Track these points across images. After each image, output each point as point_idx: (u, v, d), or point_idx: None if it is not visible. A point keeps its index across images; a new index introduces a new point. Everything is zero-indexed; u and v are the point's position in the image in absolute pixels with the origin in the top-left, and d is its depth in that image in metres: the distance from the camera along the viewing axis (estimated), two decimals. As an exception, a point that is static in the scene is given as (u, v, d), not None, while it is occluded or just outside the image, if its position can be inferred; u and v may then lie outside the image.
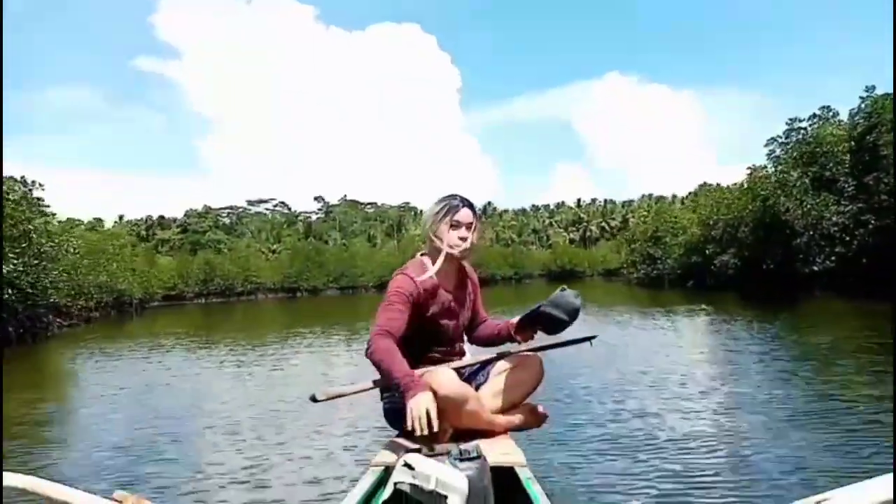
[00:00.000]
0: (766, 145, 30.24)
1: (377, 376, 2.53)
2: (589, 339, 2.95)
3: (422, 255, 2.76)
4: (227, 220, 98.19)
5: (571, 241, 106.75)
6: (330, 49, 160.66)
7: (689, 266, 36.69)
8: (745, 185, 32.44)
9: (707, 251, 33.49)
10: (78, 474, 4.93)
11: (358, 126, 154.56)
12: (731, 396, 6.74)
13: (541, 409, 2.76)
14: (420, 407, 2.30)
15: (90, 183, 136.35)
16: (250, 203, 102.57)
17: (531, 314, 2.69)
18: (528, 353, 2.78)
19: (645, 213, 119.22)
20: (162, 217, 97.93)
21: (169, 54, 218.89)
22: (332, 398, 2.54)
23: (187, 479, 4.70)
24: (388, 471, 2.25)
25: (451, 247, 2.64)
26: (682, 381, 7.61)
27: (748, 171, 33.09)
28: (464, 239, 2.66)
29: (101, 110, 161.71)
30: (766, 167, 31.20)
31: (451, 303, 2.73)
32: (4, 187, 21.70)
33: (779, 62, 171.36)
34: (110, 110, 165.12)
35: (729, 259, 31.33)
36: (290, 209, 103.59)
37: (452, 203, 2.66)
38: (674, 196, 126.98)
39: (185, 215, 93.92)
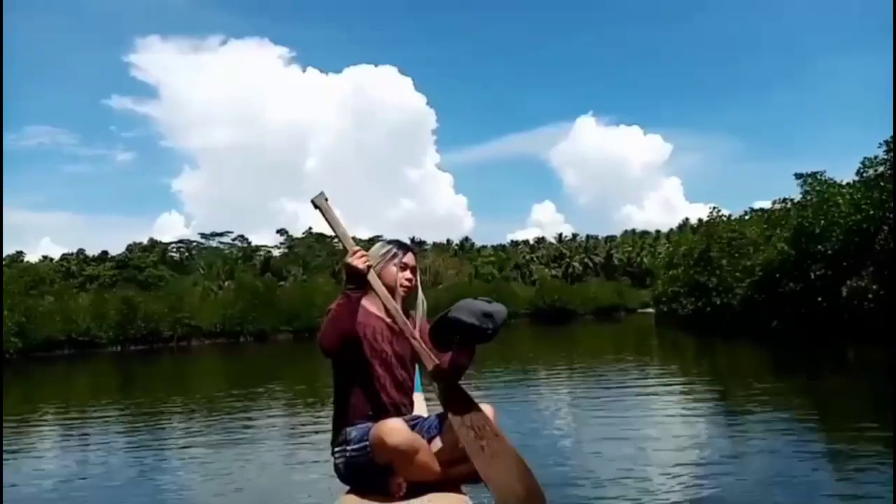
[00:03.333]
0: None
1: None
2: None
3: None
4: (175, 255, 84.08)
5: (554, 278, 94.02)
6: (306, 89, 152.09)
7: (766, 298, 23.76)
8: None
9: (813, 272, 20.63)
10: None
11: (332, 163, 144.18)
12: None
13: None
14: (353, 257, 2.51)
15: (61, 223, 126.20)
16: (204, 236, 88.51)
17: (437, 324, 2.49)
18: (484, 402, 2.61)
19: (630, 245, 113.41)
20: (105, 252, 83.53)
21: (144, 93, 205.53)
22: (326, 213, 2.63)
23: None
24: None
25: (400, 286, 2.67)
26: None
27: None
28: (409, 280, 2.72)
29: (72, 149, 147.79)
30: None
31: (397, 343, 2.66)
32: None
33: (745, 105, 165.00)
34: (82, 149, 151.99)
35: (866, 284, 18.48)
36: (248, 243, 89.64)
37: (400, 246, 2.77)
38: (658, 231, 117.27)
39: (126, 249, 79.67)
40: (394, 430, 2.37)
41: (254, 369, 24.96)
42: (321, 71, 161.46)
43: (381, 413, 2.56)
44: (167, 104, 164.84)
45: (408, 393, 2.73)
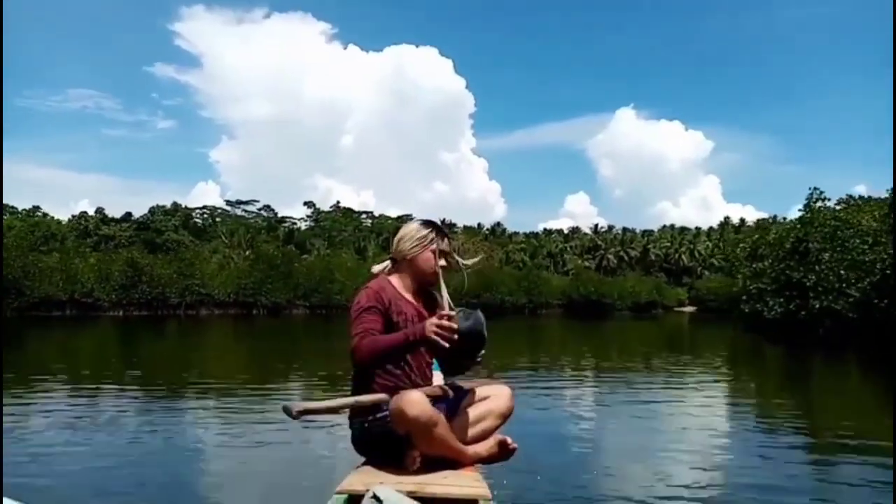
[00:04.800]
0: None
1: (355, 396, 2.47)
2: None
3: (384, 271, 2.67)
4: (199, 221, 79.79)
5: (586, 269, 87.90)
6: (346, 66, 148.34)
7: (891, 304, 17.90)
8: None
9: None
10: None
11: (367, 141, 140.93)
12: None
13: (510, 442, 2.58)
14: (430, 323, 2.37)
15: (99, 186, 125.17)
16: (230, 204, 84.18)
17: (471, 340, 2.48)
18: (501, 383, 2.76)
19: (669, 241, 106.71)
20: (129, 214, 79.50)
21: (186, 62, 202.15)
22: (309, 412, 2.39)
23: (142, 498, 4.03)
24: (352, 499, 2.20)
25: (434, 272, 2.61)
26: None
27: None
28: (444, 268, 2.64)
29: (114, 114, 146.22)
30: None
31: (417, 315, 2.58)
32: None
33: (789, 105, 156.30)
34: (123, 114, 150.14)
35: None
36: (274, 213, 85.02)
37: (437, 232, 2.65)
38: (698, 229, 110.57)
39: (148, 212, 75.49)
40: (414, 401, 2.32)
41: (265, 346, 20.57)
42: (362, 49, 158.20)
43: (400, 386, 2.48)
44: (209, 74, 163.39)
45: (428, 376, 2.67)
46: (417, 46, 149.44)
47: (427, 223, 2.66)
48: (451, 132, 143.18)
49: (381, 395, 2.42)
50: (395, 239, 2.68)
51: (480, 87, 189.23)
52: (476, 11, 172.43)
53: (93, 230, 67.78)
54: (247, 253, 62.16)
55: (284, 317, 47.02)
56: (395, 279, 2.61)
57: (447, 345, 2.33)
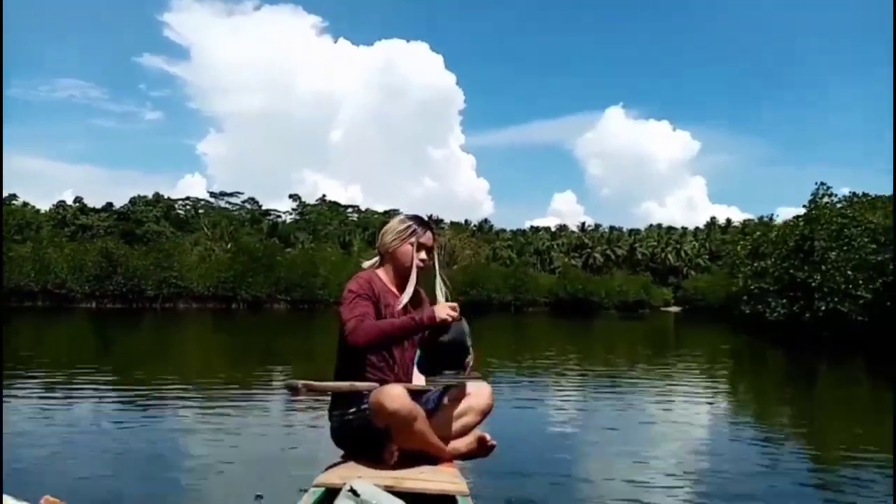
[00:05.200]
0: None
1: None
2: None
3: (372, 266, 2.68)
4: (181, 213, 77.68)
5: (573, 267, 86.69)
6: (336, 60, 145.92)
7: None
8: None
9: None
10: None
11: (357, 136, 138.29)
12: None
13: (489, 438, 2.59)
14: (443, 306, 2.45)
15: (85, 176, 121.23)
16: (213, 195, 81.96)
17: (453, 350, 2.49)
18: (480, 381, 2.66)
19: (655, 240, 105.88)
20: (110, 204, 77.18)
21: (175, 54, 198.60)
22: (313, 389, 2.39)
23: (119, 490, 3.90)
24: (329, 492, 2.17)
25: (411, 266, 2.61)
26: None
27: None
28: (424, 261, 2.63)
29: (102, 104, 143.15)
30: None
31: (402, 311, 2.57)
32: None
33: (777, 107, 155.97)
34: (111, 104, 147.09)
35: None
36: (259, 206, 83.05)
37: (420, 224, 2.65)
38: (684, 228, 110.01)
39: (129, 202, 73.26)
40: (393, 395, 2.31)
41: (243, 343, 18.97)
42: (352, 42, 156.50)
43: (381, 381, 2.46)
44: (197, 66, 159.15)
45: (409, 370, 2.63)
46: (408, 41, 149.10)
47: (410, 217, 2.68)
48: (441, 128, 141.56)
49: (374, 384, 2.40)
50: (380, 233, 2.69)
51: (470, 84, 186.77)
52: (468, 7, 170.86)
53: (70, 220, 65.52)
54: (228, 245, 60.31)
55: (265, 311, 45.38)
56: (381, 272, 2.65)
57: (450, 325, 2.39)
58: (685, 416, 7.54)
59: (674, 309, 78.46)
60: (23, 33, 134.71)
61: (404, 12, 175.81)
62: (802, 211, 23.22)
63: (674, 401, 8.82)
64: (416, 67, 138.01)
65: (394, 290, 2.59)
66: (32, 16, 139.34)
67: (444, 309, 2.39)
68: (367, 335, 2.34)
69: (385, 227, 2.68)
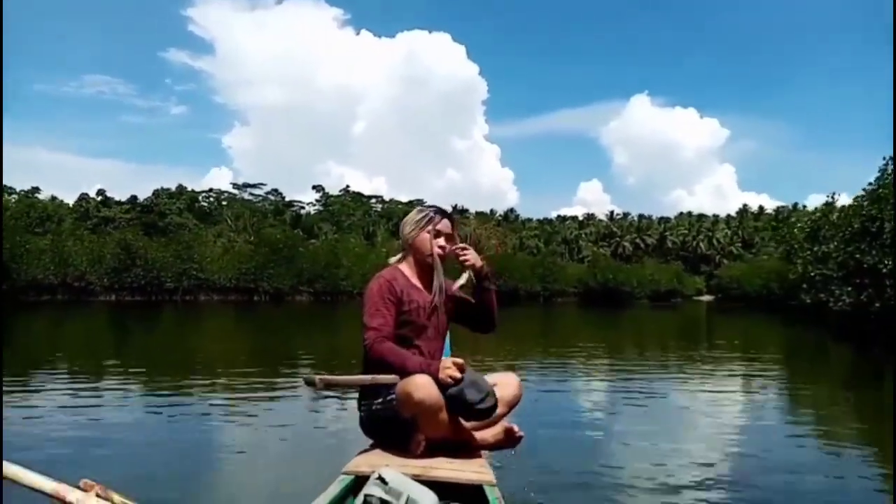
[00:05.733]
0: None
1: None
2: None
3: (397, 261, 2.70)
4: (204, 205, 76.76)
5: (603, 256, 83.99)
6: (359, 52, 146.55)
7: None
8: None
9: None
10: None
11: (380, 128, 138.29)
12: None
13: (517, 430, 2.63)
14: (447, 364, 2.39)
15: (113, 171, 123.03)
16: (236, 187, 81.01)
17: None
18: (509, 371, 2.77)
19: (686, 228, 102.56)
20: (135, 197, 76.46)
21: (200, 48, 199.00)
22: (330, 386, 2.47)
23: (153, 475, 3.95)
24: (358, 480, 2.20)
25: (432, 255, 2.61)
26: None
27: None
28: (443, 248, 2.63)
29: (129, 99, 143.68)
30: None
31: (434, 316, 2.62)
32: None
33: (805, 93, 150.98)
34: (138, 100, 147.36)
35: None
36: (282, 197, 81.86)
37: (434, 213, 2.66)
38: (716, 216, 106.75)
39: (152, 194, 72.47)
40: (421, 385, 2.32)
41: (265, 336, 17.89)
42: (374, 35, 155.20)
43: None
44: (222, 60, 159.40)
45: (437, 351, 2.65)
46: (430, 32, 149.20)
47: (427, 206, 2.70)
48: (464, 119, 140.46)
49: (395, 377, 2.38)
50: (401, 225, 2.71)
51: (493, 74, 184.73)
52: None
53: (93, 212, 64.82)
54: (251, 237, 59.01)
55: (287, 303, 43.97)
56: (405, 267, 2.66)
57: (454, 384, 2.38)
58: (733, 417, 6.68)
59: (706, 298, 75.83)
60: (49, 31, 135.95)
61: (426, 3, 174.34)
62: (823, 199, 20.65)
63: (722, 399, 7.82)
64: (439, 58, 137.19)
65: (417, 283, 2.61)
66: (58, 14, 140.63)
67: (446, 370, 2.37)
68: (382, 357, 2.39)
69: (404, 220, 2.69)
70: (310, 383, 2.32)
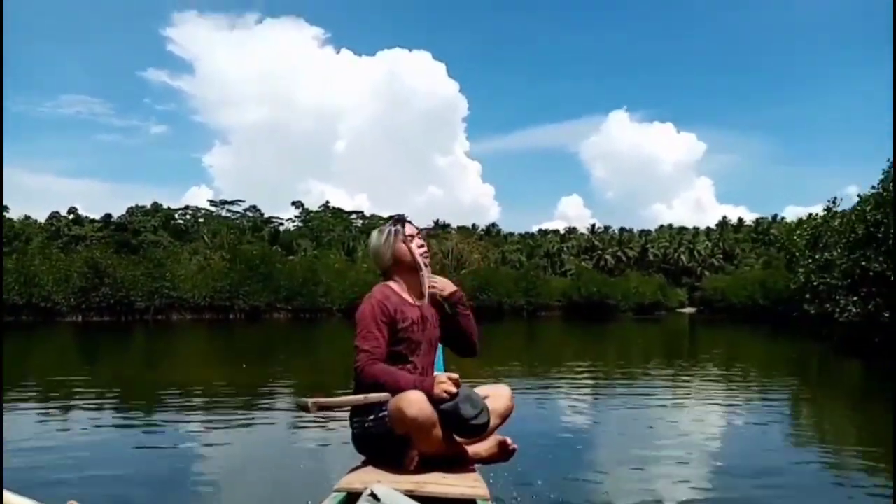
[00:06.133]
0: None
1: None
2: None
3: (385, 281, 2.63)
4: (180, 222, 74.70)
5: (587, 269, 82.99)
6: (339, 70, 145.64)
7: None
8: None
9: None
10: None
11: (361, 146, 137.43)
12: None
13: (510, 442, 2.53)
14: (441, 379, 2.35)
15: (90, 191, 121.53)
16: (213, 204, 79.06)
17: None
18: (501, 383, 2.72)
19: (668, 241, 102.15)
20: (109, 215, 74.18)
21: (179, 68, 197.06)
22: (324, 409, 2.38)
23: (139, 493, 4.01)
24: (350, 497, 2.16)
25: (420, 261, 2.58)
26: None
27: None
28: (422, 246, 2.61)
29: (107, 119, 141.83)
30: None
31: (427, 330, 2.58)
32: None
33: (782, 107, 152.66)
34: (116, 119, 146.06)
35: None
36: (260, 213, 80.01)
37: (393, 224, 2.61)
38: (696, 228, 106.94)
39: (127, 212, 70.29)
40: (413, 401, 2.27)
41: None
42: (355, 53, 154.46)
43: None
44: (201, 79, 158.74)
45: (429, 366, 2.62)
46: (410, 50, 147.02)
47: (384, 223, 2.67)
48: (445, 135, 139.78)
49: (387, 395, 2.34)
50: (371, 255, 2.70)
51: (473, 91, 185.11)
52: (469, 15, 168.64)
53: (63, 231, 62.51)
54: (227, 255, 57.10)
55: (264, 321, 42.17)
56: (394, 285, 2.60)
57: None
58: (737, 434, 6.62)
59: (688, 310, 75.37)
60: (27, 50, 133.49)
61: (406, 22, 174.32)
62: (802, 210, 19.57)
63: (722, 415, 7.74)
64: (419, 76, 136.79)
65: (409, 298, 2.57)
66: (36, 32, 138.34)
67: (441, 386, 2.33)
68: (375, 378, 2.35)
69: (372, 247, 2.65)
70: (303, 408, 2.30)
